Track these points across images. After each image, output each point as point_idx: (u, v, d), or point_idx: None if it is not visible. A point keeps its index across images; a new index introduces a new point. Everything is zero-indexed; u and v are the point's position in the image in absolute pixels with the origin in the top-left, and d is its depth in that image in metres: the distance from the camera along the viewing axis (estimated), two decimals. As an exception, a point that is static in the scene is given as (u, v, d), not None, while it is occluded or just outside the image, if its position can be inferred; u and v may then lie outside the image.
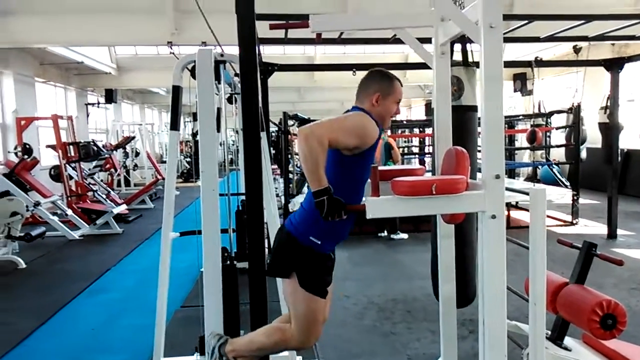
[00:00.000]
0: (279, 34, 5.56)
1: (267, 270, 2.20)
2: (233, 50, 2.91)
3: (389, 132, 7.61)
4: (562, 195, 7.75)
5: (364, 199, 1.86)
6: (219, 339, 2.27)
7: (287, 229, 2.11)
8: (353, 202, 2.00)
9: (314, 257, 2.05)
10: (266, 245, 2.46)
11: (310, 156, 1.80)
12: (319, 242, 2.03)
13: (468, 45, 2.79)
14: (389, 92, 2.10)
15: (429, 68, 2.42)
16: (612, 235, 6.64)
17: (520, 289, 3.04)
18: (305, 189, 7.52)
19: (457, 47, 2.76)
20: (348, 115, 2.07)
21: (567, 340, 2.53)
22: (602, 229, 7.05)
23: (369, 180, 2.07)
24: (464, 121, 2.54)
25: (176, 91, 3.16)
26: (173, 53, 8.10)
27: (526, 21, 5.47)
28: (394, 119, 2.32)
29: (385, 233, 7.12)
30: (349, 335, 3.75)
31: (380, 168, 1.98)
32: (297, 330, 2.10)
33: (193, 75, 2.93)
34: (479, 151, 2.06)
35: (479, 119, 2.02)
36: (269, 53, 12.49)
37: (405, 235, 7.07)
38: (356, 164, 2.02)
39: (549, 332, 2.49)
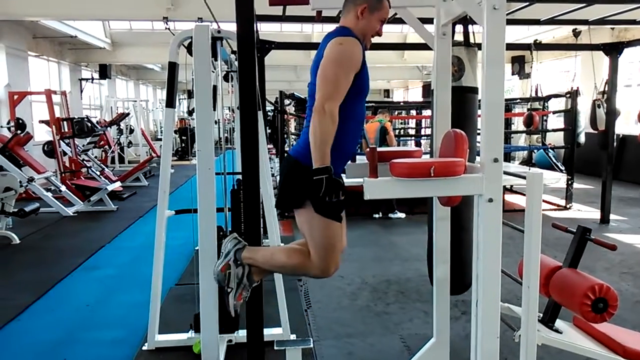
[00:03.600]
0: (277, 10, 5.47)
1: (278, 203, 2.14)
2: (230, 27, 2.87)
3: (387, 116, 7.58)
4: (557, 179, 7.78)
5: (361, 179, 1.85)
6: (237, 243, 2.19)
7: (294, 157, 2.04)
8: (350, 133, 2.00)
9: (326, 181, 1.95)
10: (261, 224, 2.46)
11: (321, 135, 1.80)
12: None
13: (469, 25, 2.76)
14: (376, 7, 2.03)
15: (428, 49, 2.40)
16: (604, 220, 6.69)
17: (513, 271, 3.07)
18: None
19: (458, 28, 2.73)
20: (332, 59, 1.94)
21: (559, 323, 2.57)
22: (595, 213, 7.11)
23: (365, 161, 2.06)
24: (463, 102, 2.52)
25: (172, 68, 3.13)
26: (169, 29, 7.99)
27: (527, 3, 5.41)
28: (384, 98, 2.29)
29: (380, 214, 7.15)
30: (342, 315, 3.79)
31: (378, 149, 1.97)
32: (317, 258, 2.03)
33: (189, 51, 2.89)
34: (479, 134, 2.05)
35: (479, 101, 2.00)
36: (265, 30, 12.34)
37: (402, 215, 7.10)
38: (353, 88, 1.96)
39: (541, 315, 2.52)
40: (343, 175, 2.13)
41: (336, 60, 1.93)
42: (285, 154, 2.13)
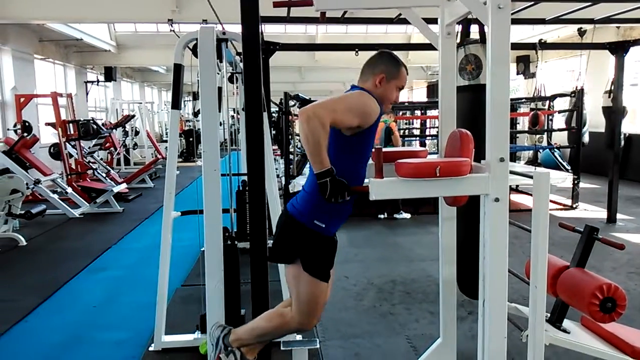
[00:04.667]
0: (281, 12, 5.48)
1: (270, 256, 2.18)
2: (235, 29, 2.88)
3: (392, 117, 7.57)
4: (563, 179, 7.75)
5: (366, 180, 1.85)
6: (222, 330, 2.28)
7: (290, 213, 2.08)
8: (354, 182, 1.99)
9: (318, 241, 2.03)
10: (267, 225, 2.47)
11: (312, 137, 1.78)
12: (324, 226, 2.01)
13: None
14: (394, 76, 2.07)
15: (431, 49, 2.40)
16: (611, 219, 6.66)
17: (520, 271, 3.05)
18: (306, 170, 7.51)
19: (474, 28, 2.72)
20: (349, 94, 2.03)
21: (566, 323, 2.55)
22: (601, 213, 7.07)
23: (370, 161, 2.06)
24: (481, 100, 2.50)
25: (177, 69, 3.14)
26: (173, 31, 8.01)
27: (531, 2, 5.39)
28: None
29: (385, 215, 7.14)
30: (348, 316, 3.78)
31: (384, 150, 1.97)
32: (298, 312, 2.10)
33: (195, 53, 2.90)
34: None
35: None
36: (270, 32, 12.36)
37: (407, 215, 7.10)
38: (357, 144, 2.00)
39: (548, 315, 2.51)
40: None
41: (348, 98, 1.98)
42: (284, 209, 2.17)
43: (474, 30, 2.61)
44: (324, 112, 1.82)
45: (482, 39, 2.60)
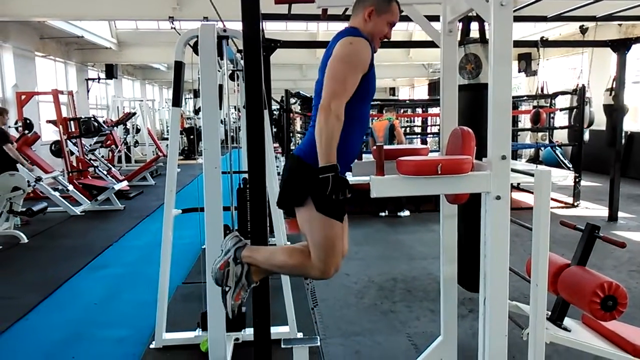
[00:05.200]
0: (282, 9, 5.47)
1: (279, 201, 2.11)
2: (236, 26, 2.88)
3: (394, 114, 7.57)
4: (564, 177, 7.73)
5: (367, 177, 1.84)
6: (238, 241, 2.16)
7: (297, 155, 2.02)
8: (362, 123, 1.99)
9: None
10: (267, 223, 2.46)
11: (327, 133, 1.78)
12: None
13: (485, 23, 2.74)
14: (384, 10, 2.02)
15: (433, 46, 2.39)
16: (612, 217, 6.65)
17: (521, 269, 3.05)
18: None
19: (474, 25, 2.71)
20: (341, 54, 1.93)
21: (567, 321, 2.55)
22: (603, 211, 7.06)
23: (372, 159, 2.06)
24: (481, 99, 2.50)
25: (178, 67, 3.13)
26: (174, 28, 7.99)
27: (533, 0, 5.37)
28: (390, 96, 2.28)
29: (387, 213, 7.14)
30: (349, 314, 3.78)
31: (385, 147, 1.96)
32: (317, 259, 2.00)
33: (195, 51, 2.90)
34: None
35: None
36: (270, 29, 12.33)
37: (407, 212, 7.13)
38: (360, 89, 1.94)
39: (549, 313, 2.51)
40: (348, 174, 2.12)
41: (345, 59, 1.92)
42: (290, 152, 2.10)
43: (474, 27, 2.60)
44: (339, 102, 1.82)
45: (482, 39, 2.59)
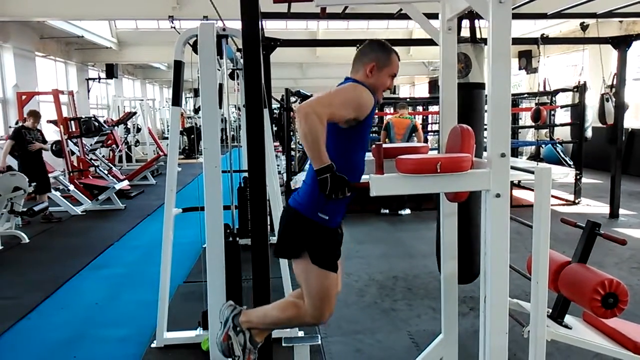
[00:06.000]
0: (282, 8, 5.47)
1: (276, 252, 2.16)
2: (235, 25, 2.87)
3: (407, 111, 7.57)
4: (565, 174, 7.73)
5: (367, 176, 1.84)
6: (233, 310, 2.23)
7: (293, 207, 2.07)
8: (354, 175, 1.99)
9: (323, 232, 2.02)
10: (268, 222, 2.46)
11: (310, 134, 1.77)
12: (327, 217, 2.01)
13: (476, 21, 2.74)
14: (385, 64, 2.05)
15: (433, 44, 2.38)
16: (614, 214, 6.64)
17: (522, 267, 3.05)
18: (307, 166, 7.49)
19: (464, 23, 2.70)
20: (342, 87, 2.01)
21: (568, 319, 2.55)
22: (604, 208, 7.05)
23: (371, 157, 2.06)
24: (471, 99, 2.50)
25: (178, 66, 3.13)
26: (174, 27, 7.99)
27: (533, -3, 5.36)
28: (390, 94, 2.28)
29: (388, 211, 7.13)
30: (350, 312, 3.79)
31: (384, 146, 1.96)
32: (312, 307, 2.07)
33: (195, 50, 2.90)
34: (486, 129, 2.03)
35: (486, 96, 1.99)
36: (270, 28, 12.32)
37: (408, 210, 7.14)
38: (354, 135, 1.99)
39: (550, 310, 2.51)
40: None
41: (343, 91, 1.97)
42: (286, 204, 2.16)
43: (465, 25, 2.59)
44: (321, 108, 1.81)
45: (473, 38, 2.59)
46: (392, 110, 10.11)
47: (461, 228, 2.41)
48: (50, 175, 7.54)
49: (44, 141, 7.21)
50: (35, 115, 7.04)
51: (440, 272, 2.63)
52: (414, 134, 7.09)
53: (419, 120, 12.75)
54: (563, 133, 10.03)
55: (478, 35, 2.68)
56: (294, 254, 2.09)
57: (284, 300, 2.25)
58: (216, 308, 2.73)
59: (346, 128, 1.98)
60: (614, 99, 7.05)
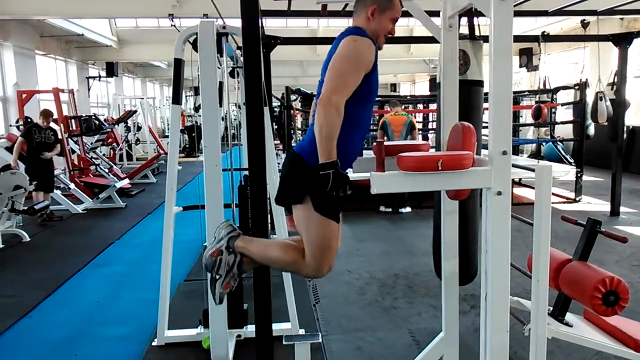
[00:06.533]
0: (282, 5, 5.46)
1: (278, 198, 2.09)
2: (235, 23, 2.87)
3: (400, 110, 7.54)
4: (566, 172, 7.73)
5: (368, 174, 1.83)
6: (232, 230, 2.15)
7: (298, 153, 2.01)
8: (363, 125, 1.98)
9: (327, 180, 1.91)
10: (268, 220, 2.46)
11: (326, 128, 1.77)
12: None
13: (474, 19, 2.73)
14: (386, 7, 2.00)
15: (434, 42, 2.38)
16: (614, 212, 6.64)
17: (522, 265, 3.05)
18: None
19: (463, 21, 2.70)
20: (344, 53, 1.93)
21: (569, 316, 2.55)
22: (604, 206, 7.05)
23: (372, 155, 2.05)
24: (469, 96, 2.49)
25: (178, 64, 3.13)
26: (174, 25, 8.00)
27: (534, -6, 5.35)
28: (391, 92, 2.27)
29: (390, 209, 7.12)
30: (351, 310, 3.79)
31: (385, 143, 1.96)
32: (311, 257, 1.99)
33: (195, 48, 2.89)
34: (485, 127, 2.03)
35: (485, 94, 1.98)
36: (270, 26, 12.31)
37: (408, 208, 7.16)
38: (365, 86, 1.94)
39: (551, 308, 2.50)
40: (349, 170, 2.11)
41: (348, 56, 1.91)
42: (290, 150, 2.09)
43: (463, 23, 2.58)
44: (339, 97, 1.81)
45: (471, 35, 2.58)
46: (409, 107, 10.09)
47: (459, 229, 2.41)
48: (51, 173, 7.55)
49: (57, 140, 7.21)
50: (46, 114, 7.05)
51: (436, 271, 2.63)
52: (412, 131, 7.06)
53: (418, 118, 12.77)
54: (564, 131, 10.02)
55: (477, 33, 2.67)
56: (296, 200, 2.00)
57: (287, 242, 2.16)
58: (217, 307, 2.74)
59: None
60: (607, 98, 7.05)
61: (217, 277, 2.08)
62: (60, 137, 7.52)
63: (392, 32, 2.06)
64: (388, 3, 2.01)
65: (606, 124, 7.34)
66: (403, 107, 12.12)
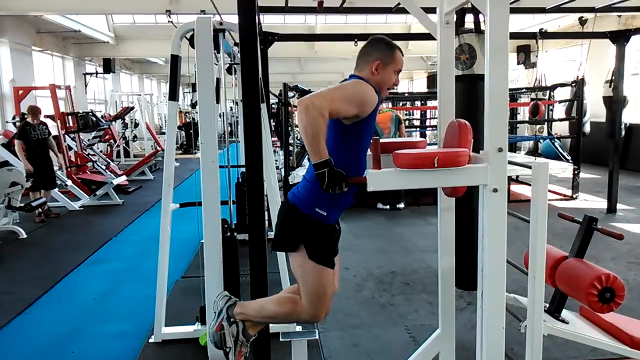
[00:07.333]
0: (279, 1, 5.45)
1: (273, 245, 2.16)
2: (232, 19, 2.86)
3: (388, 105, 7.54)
4: (563, 169, 7.73)
5: (365, 171, 1.84)
6: (228, 300, 2.23)
7: (291, 202, 2.08)
8: (354, 172, 1.98)
9: (321, 228, 2.03)
10: (266, 217, 2.46)
11: (310, 128, 1.77)
12: (325, 213, 2.01)
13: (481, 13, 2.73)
14: (389, 61, 2.05)
15: (432, 39, 2.37)
16: (611, 209, 6.65)
17: (519, 261, 3.05)
18: (306, 161, 7.50)
19: (468, 17, 2.69)
20: (347, 83, 2.02)
21: (565, 313, 2.55)
22: (601, 203, 7.07)
23: (369, 152, 2.05)
24: (475, 90, 2.48)
25: (174, 61, 3.12)
26: (171, 22, 7.97)
27: (532, -9, 5.35)
28: (394, 90, 2.27)
29: (388, 207, 7.13)
30: (348, 307, 3.79)
31: (382, 140, 1.96)
32: (308, 304, 2.07)
33: (192, 44, 2.88)
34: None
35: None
36: (268, 22, 12.29)
37: (401, 205, 7.18)
38: (356, 133, 2.00)
39: (547, 305, 2.51)
40: None
41: (346, 87, 1.97)
42: (286, 197, 2.16)
43: (469, 19, 2.58)
44: (323, 102, 1.80)
45: (477, 29, 2.57)
46: (390, 105, 10.05)
47: (467, 228, 2.37)
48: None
49: (49, 133, 7.20)
50: (34, 111, 7.00)
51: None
52: (399, 126, 7.07)
53: (416, 115, 12.78)
54: (561, 128, 10.03)
55: (483, 27, 2.66)
56: (291, 248, 2.09)
57: (281, 295, 2.25)
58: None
59: (348, 125, 1.98)
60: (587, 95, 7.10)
61: (227, 349, 2.15)
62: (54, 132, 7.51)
63: (396, 83, 2.12)
64: (390, 57, 2.06)
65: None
66: (400, 104, 12.16)
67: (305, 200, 2.02)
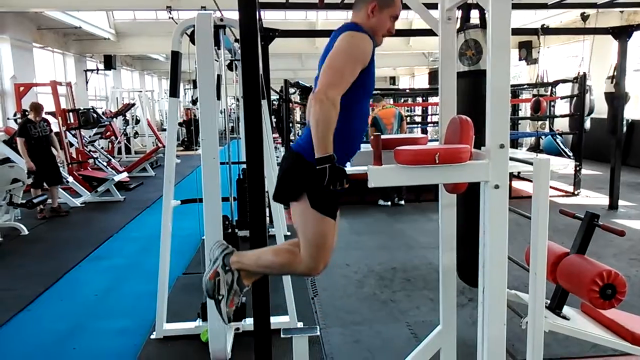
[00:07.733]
0: (280, -2, 5.43)
1: (275, 195, 2.10)
2: (233, 15, 2.85)
3: (384, 102, 7.53)
4: (565, 165, 7.72)
5: (365, 167, 1.83)
6: (225, 249, 2.17)
7: (295, 150, 2.02)
8: (361, 118, 1.97)
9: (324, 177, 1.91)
10: (267, 213, 2.46)
11: (323, 122, 1.76)
12: None
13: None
14: (387, 4, 2.00)
15: (433, 35, 2.37)
16: (613, 206, 6.64)
17: (521, 258, 3.05)
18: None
19: (474, 13, 2.68)
20: (341, 47, 1.93)
21: (566, 310, 2.55)
22: (603, 199, 7.05)
23: (370, 148, 2.04)
24: (481, 86, 2.46)
25: (175, 57, 3.12)
26: (172, 18, 7.96)
27: (534, -13, 5.33)
28: (390, 85, 2.25)
29: (389, 203, 7.12)
30: (349, 303, 3.80)
31: (383, 137, 1.95)
32: (307, 254, 2.00)
33: (192, 40, 2.88)
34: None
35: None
36: (269, 18, 12.25)
37: (401, 201, 7.18)
38: (361, 80, 1.94)
39: (548, 301, 2.51)
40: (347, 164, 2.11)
41: (345, 51, 1.91)
42: (289, 146, 2.09)
43: (475, 15, 2.56)
44: (335, 92, 1.80)
45: (483, 24, 2.56)
46: (391, 101, 10.05)
47: (471, 225, 2.35)
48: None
49: (51, 130, 7.20)
50: (36, 108, 7.01)
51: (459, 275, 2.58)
52: (402, 122, 7.06)
53: (417, 111, 12.77)
54: (563, 124, 10.01)
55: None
56: (293, 197, 2.01)
57: (280, 246, 2.19)
58: (215, 299, 2.74)
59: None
60: (593, 91, 7.07)
61: (220, 297, 2.11)
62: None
63: (391, 30, 2.05)
64: (388, 1, 2.00)
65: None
66: (402, 100, 12.15)
67: (309, 147, 1.90)
